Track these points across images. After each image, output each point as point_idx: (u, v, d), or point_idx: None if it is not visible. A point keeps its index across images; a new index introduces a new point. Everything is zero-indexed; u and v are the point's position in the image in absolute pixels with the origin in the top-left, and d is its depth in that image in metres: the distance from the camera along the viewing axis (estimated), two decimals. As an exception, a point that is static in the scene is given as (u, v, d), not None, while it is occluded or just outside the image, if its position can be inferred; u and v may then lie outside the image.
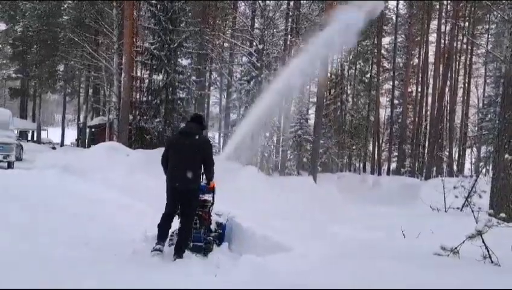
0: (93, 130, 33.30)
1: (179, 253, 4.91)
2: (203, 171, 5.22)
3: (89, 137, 33.84)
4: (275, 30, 22.53)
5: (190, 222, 5.13)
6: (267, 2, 22.50)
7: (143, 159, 12.36)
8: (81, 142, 35.36)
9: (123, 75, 17.61)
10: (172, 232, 5.31)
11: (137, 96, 19.92)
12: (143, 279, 4.17)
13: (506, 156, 5.17)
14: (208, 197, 5.59)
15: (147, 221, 5.87)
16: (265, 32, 20.53)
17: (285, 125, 23.68)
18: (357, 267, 4.57)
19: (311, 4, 25.09)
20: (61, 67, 34.48)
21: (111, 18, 19.23)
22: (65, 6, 31.14)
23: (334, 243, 6.08)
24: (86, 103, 36.05)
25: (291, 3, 23.59)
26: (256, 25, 22.75)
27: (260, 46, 19.86)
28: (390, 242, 6.23)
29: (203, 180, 5.33)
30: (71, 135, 42.34)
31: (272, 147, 22.19)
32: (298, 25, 22.41)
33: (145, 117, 18.89)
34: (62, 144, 36.49)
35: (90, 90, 35.13)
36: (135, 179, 10.55)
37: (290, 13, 23.01)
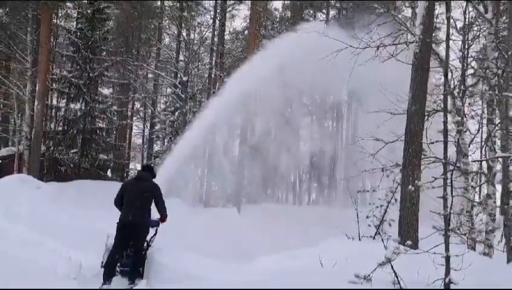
0: (0, 161, 30.57)
1: (132, 279, 5.71)
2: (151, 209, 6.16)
3: (-5, 169, 30.91)
4: (199, 63, 22.81)
5: (140, 253, 5.92)
6: (192, 36, 22.84)
7: (56, 192, 11.81)
8: (-15, 174, 32.12)
9: (36, 103, 16.57)
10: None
11: (52, 126, 18.86)
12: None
13: (410, 187, 5.67)
14: (151, 229, 6.30)
15: (57, 258, 5.51)
16: (190, 64, 20.73)
17: (211, 157, 23.63)
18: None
19: (234, 40, 25.90)
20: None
21: (25, 44, 18.09)
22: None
23: (257, 273, 6.12)
24: (-8, 132, 32.99)
25: (216, 38, 24.14)
26: (181, 58, 22.86)
27: (185, 78, 19.94)
28: (311, 271, 6.43)
29: (154, 217, 6.21)
30: (-27, 166, 38.23)
31: (197, 178, 22.02)
32: (222, 60, 22.92)
33: (59, 148, 17.87)
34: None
35: (-2, 118, 32.33)
36: (46, 214, 9.96)
37: (215, 48, 23.49)
